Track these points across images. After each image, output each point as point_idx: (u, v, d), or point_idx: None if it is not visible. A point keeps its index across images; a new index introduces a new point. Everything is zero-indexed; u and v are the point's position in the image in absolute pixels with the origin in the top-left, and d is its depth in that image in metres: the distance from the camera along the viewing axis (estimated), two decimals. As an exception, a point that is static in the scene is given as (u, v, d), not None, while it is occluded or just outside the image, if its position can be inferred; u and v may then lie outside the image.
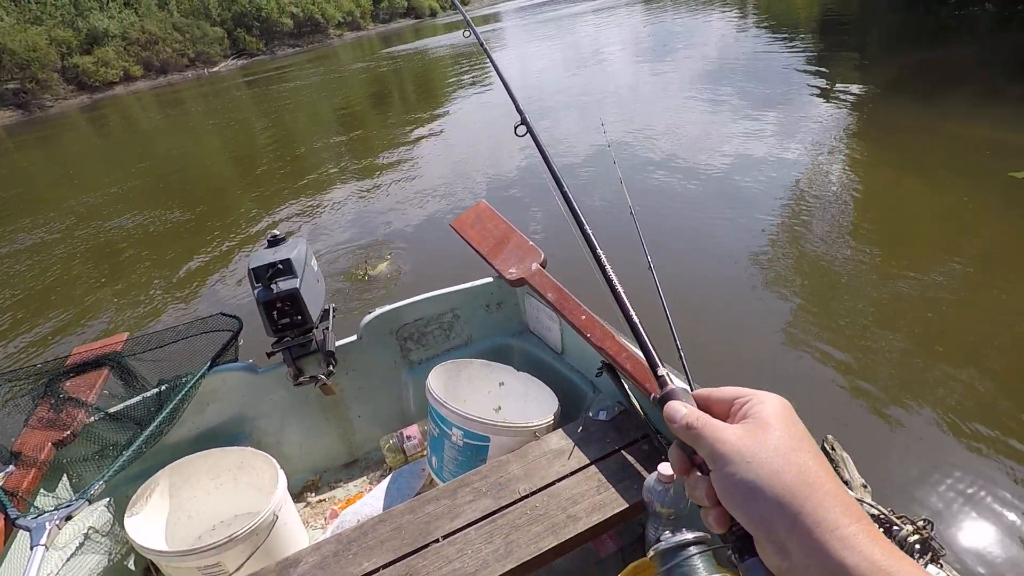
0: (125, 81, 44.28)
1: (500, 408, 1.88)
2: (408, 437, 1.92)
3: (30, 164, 14.59)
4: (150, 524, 1.64)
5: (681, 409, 0.48)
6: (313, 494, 1.95)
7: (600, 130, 6.70)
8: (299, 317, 1.78)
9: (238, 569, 1.50)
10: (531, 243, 2.02)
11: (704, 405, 0.49)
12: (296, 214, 6.05)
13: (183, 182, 8.83)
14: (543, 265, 1.91)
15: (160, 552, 1.44)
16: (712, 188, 4.57)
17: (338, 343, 1.87)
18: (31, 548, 1.27)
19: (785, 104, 6.29)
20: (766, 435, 0.43)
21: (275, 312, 1.76)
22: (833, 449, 1.86)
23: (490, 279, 2.03)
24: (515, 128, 1.37)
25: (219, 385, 1.84)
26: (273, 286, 1.76)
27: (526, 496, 1.36)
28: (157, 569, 1.80)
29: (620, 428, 1.48)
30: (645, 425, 1.42)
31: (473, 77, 14.09)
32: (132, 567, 1.76)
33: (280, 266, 1.77)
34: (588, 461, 1.42)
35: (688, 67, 9.81)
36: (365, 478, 1.99)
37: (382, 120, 11.21)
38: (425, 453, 1.95)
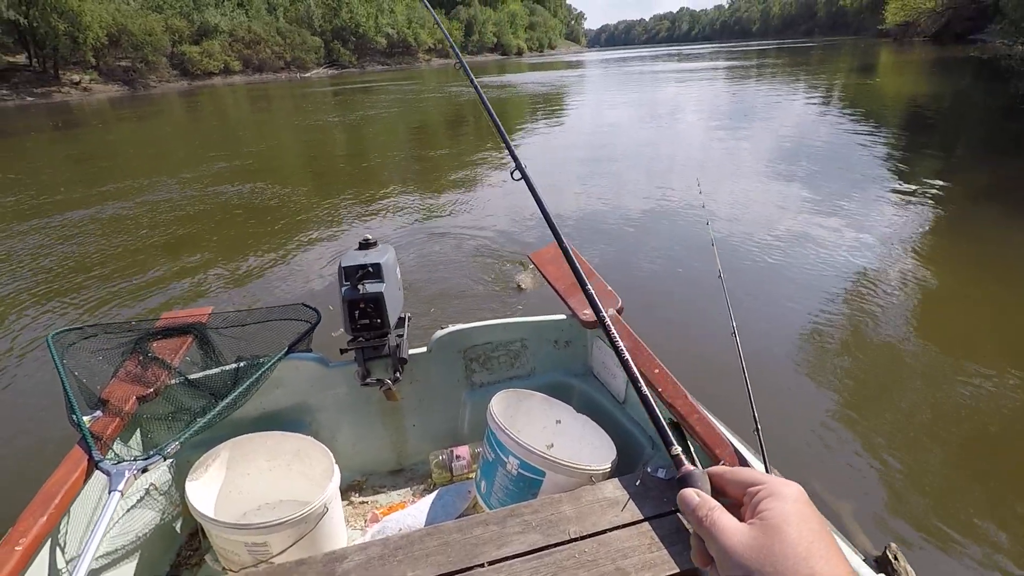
0: (224, 73, 47.07)
1: (552, 445, 1.88)
2: (458, 456, 1.94)
3: (128, 135, 15.59)
4: (205, 492, 1.70)
5: (694, 498, 0.48)
6: (357, 494, 1.98)
7: (677, 187, 6.76)
8: (378, 320, 1.85)
9: (281, 552, 1.54)
10: (609, 288, 2.05)
11: (719, 485, 0.49)
12: (358, 217, 6.23)
13: (262, 172, 9.27)
14: (620, 312, 1.93)
15: (214, 520, 1.49)
16: (775, 264, 4.52)
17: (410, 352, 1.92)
18: (108, 492, 1.34)
19: (859, 192, 6.21)
20: (775, 541, 0.41)
21: (357, 312, 1.84)
22: (896, 559, 1.78)
23: (563, 316, 2.06)
24: (511, 173, 1.44)
25: (290, 372, 1.91)
26: (360, 287, 1.84)
27: (576, 539, 1.36)
28: (201, 535, 1.86)
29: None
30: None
31: (545, 118, 14.43)
32: (179, 530, 1.82)
33: (370, 269, 1.85)
34: (642, 517, 1.40)
35: (763, 141, 9.80)
36: (408, 489, 2.01)
37: (453, 144, 11.56)
38: (472, 476, 1.96)
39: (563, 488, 1.54)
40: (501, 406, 1.77)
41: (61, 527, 1.38)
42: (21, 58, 37.18)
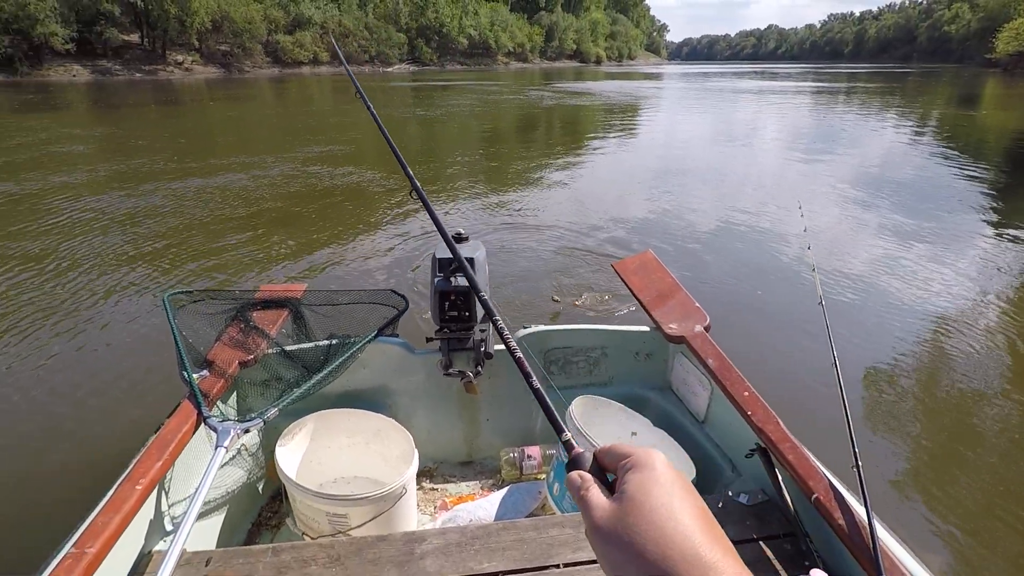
0: (312, 63, 49.04)
1: (625, 456, 1.87)
2: (529, 456, 1.96)
3: (228, 115, 16.50)
4: (291, 459, 1.78)
5: (576, 479, 0.48)
6: (428, 481, 2.03)
7: (751, 207, 6.57)
8: (467, 313, 1.89)
9: (358, 526, 1.59)
10: (696, 304, 2.02)
11: (603, 463, 0.49)
12: (440, 210, 6.36)
13: (351, 157, 9.64)
14: (707, 329, 1.90)
15: (302, 487, 1.56)
16: (871, 295, 4.31)
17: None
18: (215, 448, 1.43)
19: (947, 231, 5.85)
20: (629, 512, 0.42)
21: (447, 303, 1.88)
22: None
23: (646, 328, 2.05)
24: (410, 193, 1.44)
25: (376, 354, 1.98)
26: (452, 279, 1.88)
27: (654, 551, 1.35)
28: (284, 499, 1.95)
29: (762, 518, 1.43)
30: (794, 523, 1.37)
31: (617, 130, 14.29)
32: (260, 491, 1.92)
33: (464, 262, 1.89)
34: None
35: (844, 168, 9.36)
36: (477, 482, 2.04)
37: (523, 148, 11.61)
38: (541, 476, 1.98)
39: (640, 500, 1.53)
40: (579, 411, 1.78)
41: (170, 474, 1.48)
42: (134, 37, 40.00)
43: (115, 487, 1.28)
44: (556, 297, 4.08)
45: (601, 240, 5.50)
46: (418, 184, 1.30)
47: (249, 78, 39.22)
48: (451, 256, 1.90)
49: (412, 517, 1.74)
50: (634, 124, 15.99)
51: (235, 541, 1.75)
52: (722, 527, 1.28)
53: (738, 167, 9.60)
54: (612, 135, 13.32)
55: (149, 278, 4.52)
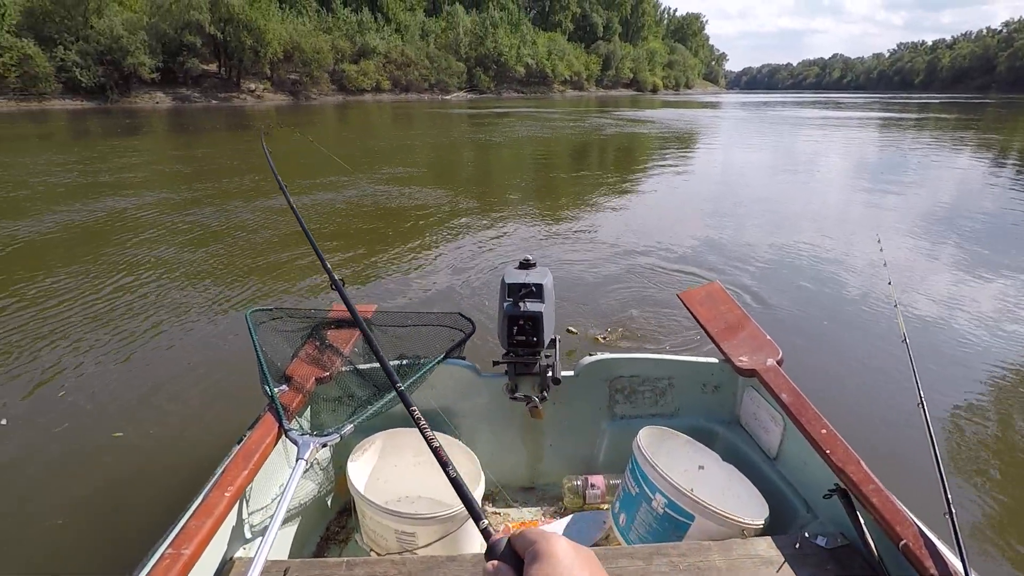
0: (374, 91, 51.02)
1: (692, 490, 1.83)
2: (593, 485, 1.95)
3: (296, 140, 17.30)
4: (360, 475, 1.83)
5: (490, 570, 0.49)
6: (490, 505, 2.04)
7: (810, 239, 6.37)
8: (534, 339, 1.91)
9: (425, 546, 1.62)
10: (768, 337, 1.98)
11: (516, 548, 0.50)
12: (472, 241, 6.44)
13: (418, 179, 9.95)
14: (779, 363, 1.86)
15: (374, 504, 1.60)
16: (954, 332, 4.09)
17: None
18: (295, 460, 1.49)
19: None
20: None
21: (515, 328, 1.91)
22: None
23: (714, 360, 2.02)
24: (331, 286, 1.37)
25: (444, 376, 2.02)
26: (521, 304, 1.91)
27: (727, 591, 1.31)
28: (354, 514, 2.00)
29: (842, 563, 1.37)
30: (878, 569, 1.31)
31: (675, 158, 14.17)
32: (329, 505, 1.97)
33: (533, 288, 1.92)
34: None
35: (915, 200, 8.95)
36: (539, 508, 2.04)
37: (578, 174, 11.65)
38: (604, 506, 1.96)
39: (711, 536, 1.49)
40: (646, 441, 1.76)
41: (252, 483, 1.55)
42: (213, 67, 42.76)
43: (204, 493, 1.35)
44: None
45: (659, 268, 5.45)
46: (336, 278, 1.27)
47: (315, 104, 41.18)
48: (520, 282, 1.95)
49: (477, 539, 1.75)
50: (690, 152, 15.86)
51: (305, 553, 1.80)
52: (799, 568, 1.23)
53: (799, 198, 9.36)
54: (668, 163, 13.23)
55: (229, 292, 4.78)
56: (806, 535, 1.44)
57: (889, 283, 1.68)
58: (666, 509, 1.56)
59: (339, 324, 2.19)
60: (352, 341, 2.09)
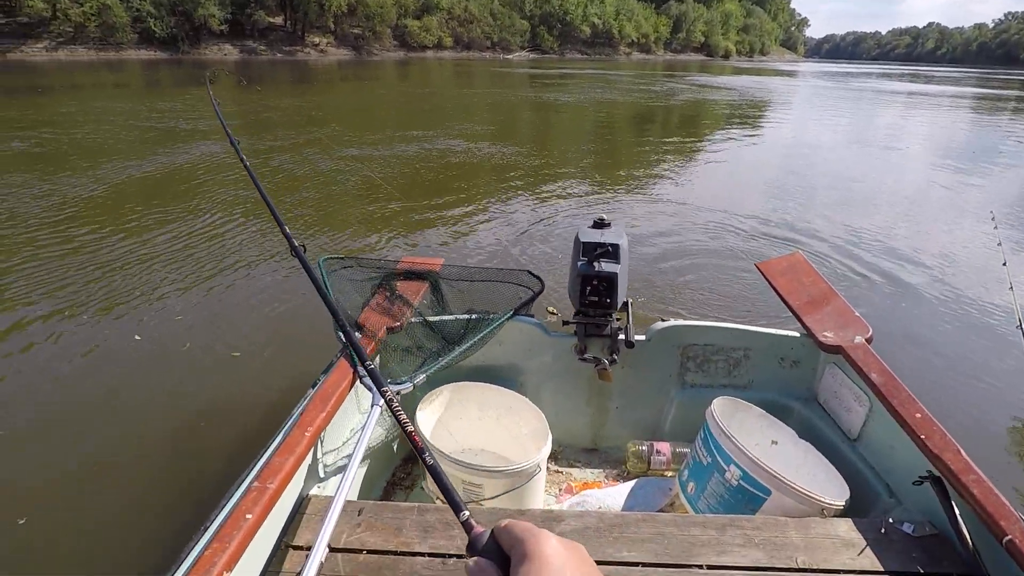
0: (436, 48, 50.58)
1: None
2: (659, 451, 1.91)
3: (365, 96, 17.40)
4: (427, 424, 1.85)
5: (474, 570, 0.45)
6: (553, 463, 2.04)
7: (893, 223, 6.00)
8: (607, 300, 1.86)
9: (490, 498, 1.63)
10: (857, 313, 1.87)
11: (500, 542, 0.46)
12: (526, 204, 6.34)
13: (487, 137, 9.90)
14: (869, 341, 1.75)
15: (443, 453, 1.62)
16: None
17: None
18: (371, 406, 1.51)
19: None
20: None
21: (588, 288, 1.87)
22: None
23: (795, 334, 1.92)
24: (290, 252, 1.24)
25: (512, 332, 2.01)
26: (596, 264, 1.86)
27: (804, 570, 1.27)
28: (414, 461, 2.04)
29: (930, 553, 1.30)
30: (973, 564, 1.23)
31: (739, 129, 13.46)
32: (395, 452, 2.02)
33: (609, 248, 1.87)
34: (883, 570, 1.27)
35: (1004, 188, 8.23)
36: (601, 470, 2.03)
37: (640, 140, 11.27)
38: (668, 473, 1.93)
39: (787, 512, 1.44)
40: (719, 411, 1.70)
41: (328, 426, 1.59)
42: (279, 20, 43.25)
43: (284, 432, 1.39)
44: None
45: (729, 237, 5.25)
46: (296, 245, 1.15)
47: (376, 60, 41.24)
48: (596, 242, 1.89)
49: (539, 496, 1.76)
50: (763, 122, 15.11)
51: (373, 496, 1.85)
52: (884, 555, 1.16)
53: (887, 174, 8.78)
54: (738, 132, 12.66)
55: (303, 238, 4.91)
56: (890, 520, 1.38)
57: (1004, 264, 1.54)
58: (740, 481, 1.51)
59: (408, 275, 2.20)
60: (421, 293, 2.10)
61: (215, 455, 2.46)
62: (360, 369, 1.62)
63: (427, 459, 0.64)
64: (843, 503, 1.46)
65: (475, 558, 0.46)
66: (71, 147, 8.20)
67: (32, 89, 15.78)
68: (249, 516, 1.14)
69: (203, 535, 1.13)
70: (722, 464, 1.56)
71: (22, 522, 2.10)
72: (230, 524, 1.12)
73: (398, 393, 1.59)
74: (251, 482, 1.22)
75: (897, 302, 4.07)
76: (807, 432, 1.82)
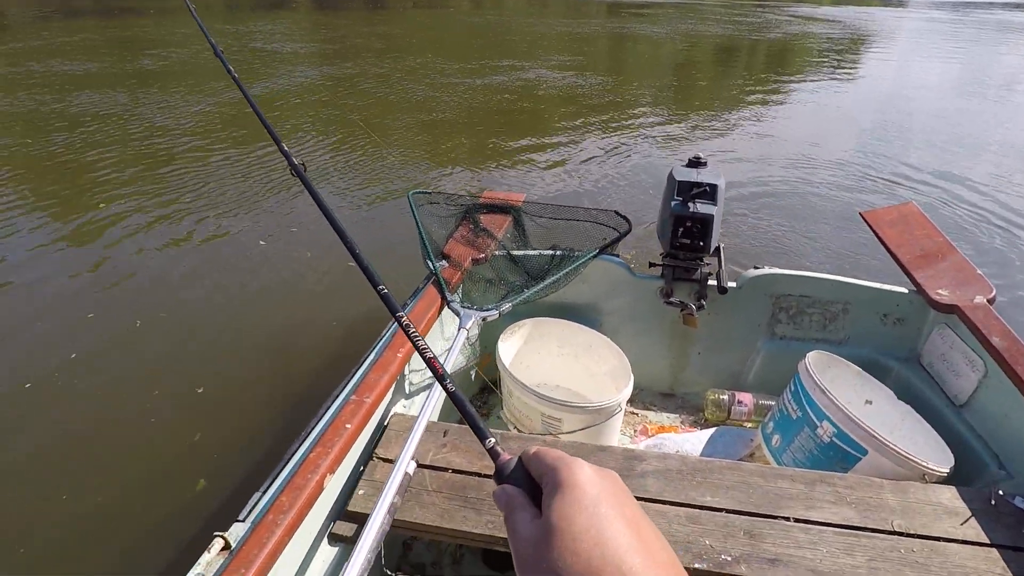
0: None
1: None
2: (740, 402, 1.87)
3: (462, 20, 17.04)
4: (508, 356, 1.87)
5: (501, 498, 0.43)
6: (628, 404, 2.03)
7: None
8: (700, 243, 1.79)
9: (568, 433, 1.64)
10: (979, 272, 1.72)
11: (530, 469, 0.43)
12: (604, 144, 6.10)
13: (570, 66, 9.58)
14: (991, 302, 1.61)
15: (525, 385, 1.63)
16: None
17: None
18: (457, 329, 1.53)
19: None
20: (550, 543, 0.37)
21: (681, 229, 1.79)
22: None
23: (903, 290, 1.79)
24: (289, 172, 1.12)
25: (596, 271, 1.97)
26: (691, 204, 1.78)
27: (901, 534, 1.22)
28: (490, 390, 2.08)
29: None
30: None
31: (840, 67, 12.28)
32: (472, 380, 2.06)
33: (706, 188, 1.77)
34: (990, 543, 1.20)
35: None
36: (678, 415, 2.01)
37: (725, 77, 10.49)
38: (748, 424, 1.88)
39: (883, 474, 1.38)
40: (814, 365, 1.63)
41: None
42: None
43: (378, 350, 1.43)
44: (776, 237, 3.60)
45: (827, 184, 4.90)
46: (297, 164, 1.05)
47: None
48: (693, 181, 1.80)
49: (615, 436, 1.76)
50: (863, 60, 13.77)
51: (452, 420, 1.91)
52: (991, 527, 1.08)
53: (1001, 122, 7.89)
54: (834, 70, 11.61)
55: (390, 168, 5.02)
56: (1000, 493, 1.29)
57: None
58: (833, 438, 1.45)
59: (491, 209, 2.18)
60: (504, 227, 2.08)
61: (309, 361, 2.66)
62: (448, 295, 1.64)
63: (449, 386, 0.63)
64: (947, 470, 1.38)
65: (503, 485, 0.44)
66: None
67: (144, 10, 16.27)
68: (348, 426, 1.19)
69: (305, 439, 1.20)
70: (814, 419, 1.50)
71: (156, 393, 2.47)
72: (331, 432, 1.18)
73: (484, 320, 1.60)
74: (348, 395, 1.27)
75: (1003, 261, 3.73)
76: (906, 394, 1.72)
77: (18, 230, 3.71)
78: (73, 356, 2.63)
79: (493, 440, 0.50)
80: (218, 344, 2.78)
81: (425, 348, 0.68)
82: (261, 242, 3.63)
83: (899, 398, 1.67)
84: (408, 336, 0.70)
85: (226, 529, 1.01)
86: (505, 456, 0.46)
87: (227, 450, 2.22)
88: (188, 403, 2.43)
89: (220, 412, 2.40)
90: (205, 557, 0.97)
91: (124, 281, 3.21)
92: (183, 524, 1.94)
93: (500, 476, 0.45)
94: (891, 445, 1.37)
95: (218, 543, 0.99)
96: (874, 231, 2.02)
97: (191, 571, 0.95)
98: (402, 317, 0.73)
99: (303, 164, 1.07)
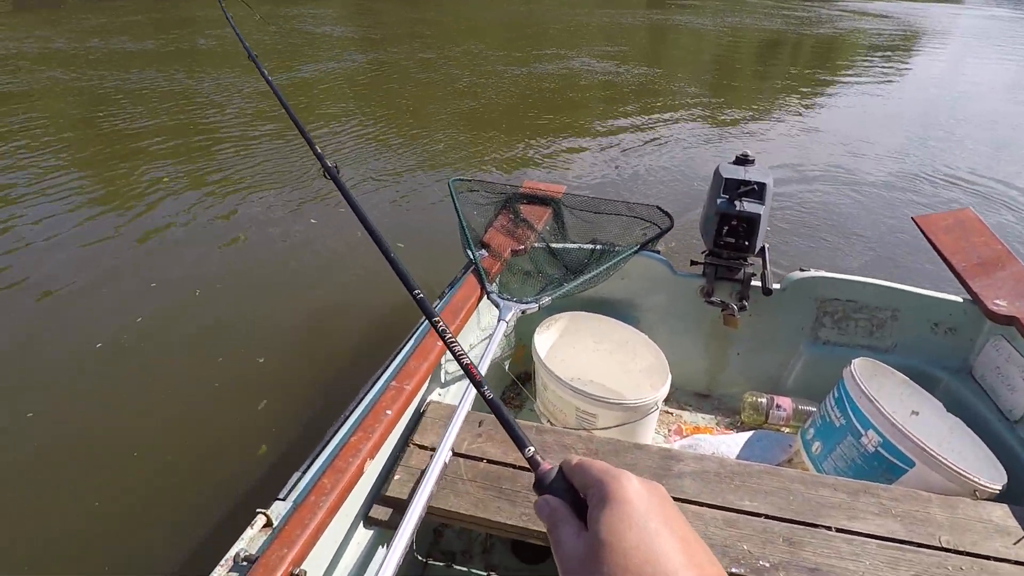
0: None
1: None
2: (779, 406, 1.83)
3: (508, 8, 17.00)
4: (542, 348, 1.86)
5: (544, 509, 0.42)
6: (663, 403, 2.01)
7: None
8: (746, 242, 1.75)
9: (602, 429, 1.63)
10: (1041, 283, 1.65)
11: (572, 481, 0.43)
12: (638, 139, 6.00)
13: (620, 57, 9.50)
14: None
15: (558, 377, 1.62)
16: None
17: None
18: (497, 321, 1.53)
19: None
20: (599, 560, 0.36)
21: (726, 228, 1.76)
22: None
23: (957, 299, 1.73)
24: (323, 173, 1.07)
25: (636, 267, 1.94)
26: (737, 203, 1.74)
27: (949, 550, 1.18)
28: (533, 383, 2.08)
29: None
30: None
31: (883, 68, 11.80)
32: (506, 371, 2.06)
33: (755, 187, 1.73)
34: None
35: None
36: (713, 417, 1.98)
37: (768, 74, 10.19)
38: (786, 429, 1.85)
39: (931, 488, 1.34)
40: (860, 372, 1.58)
41: (460, 336, 1.63)
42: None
43: (417, 337, 1.44)
44: (818, 239, 3.60)
45: (875, 186, 4.75)
46: (330, 165, 1.02)
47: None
48: (740, 179, 1.76)
49: (650, 434, 1.75)
50: (916, 57, 13.26)
51: (486, 409, 1.91)
52: None
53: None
54: (885, 66, 11.22)
55: (432, 155, 5.06)
56: None
57: None
58: (879, 448, 1.41)
59: (531, 200, 2.17)
60: (544, 219, 2.06)
61: (348, 344, 2.73)
62: (488, 285, 1.64)
63: (487, 393, 0.62)
64: (999, 487, 1.33)
65: (545, 496, 0.43)
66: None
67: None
68: (388, 412, 1.20)
69: (344, 423, 1.21)
70: (858, 428, 1.46)
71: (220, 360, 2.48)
72: (371, 417, 1.20)
73: (524, 312, 1.60)
74: (388, 381, 1.29)
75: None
76: (955, 407, 1.66)
77: (71, 201, 3.87)
78: (139, 320, 2.81)
79: (532, 449, 0.49)
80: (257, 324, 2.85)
81: (462, 354, 0.67)
82: (312, 220, 3.71)
83: (948, 411, 1.62)
84: (445, 342, 0.70)
85: (266, 506, 1.03)
86: (546, 465, 0.45)
87: (270, 426, 2.28)
88: (244, 374, 2.55)
89: (270, 387, 2.49)
90: (248, 533, 0.99)
91: (181, 249, 3.39)
92: (221, 498, 2.00)
93: (541, 486, 0.44)
94: (940, 458, 1.32)
95: (260, 519, 1.01)
96: (927, 237, 1.95)
97: (234, 545, 0.97)
98: (438, 322, 0.73)
99: (336, 166, 1.07)
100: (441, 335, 0.70)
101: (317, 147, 1.13)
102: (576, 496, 0.42)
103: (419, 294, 0.77)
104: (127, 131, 5.17)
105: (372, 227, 0.87)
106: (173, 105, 5.93)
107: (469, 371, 0.65)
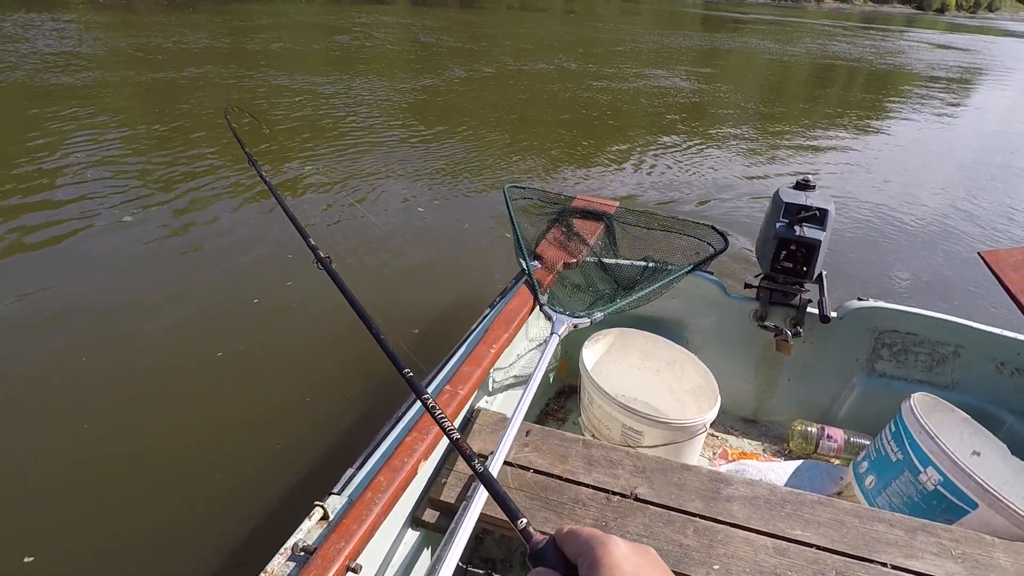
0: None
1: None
2: (830, 436, 1.79)
3: (553, 22, 17.21)
4: (589, 363, 1.86)
5: None
6: (711, 427, 1.98)
7: None
8: (804, 268, 1.72)
9: (648, 448, 1.62)
10: (1119, 328, 1.58)
11: (564, 550, 0.43)
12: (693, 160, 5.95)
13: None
14: None
15: (606, 393, 1.62)
16: None
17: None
18: (550, 334, 1.54)
19: None
20: None
21: (784, 252, 1.73)
22: None
23: None
24: (314, 264, 1.11)
25: (689, 287, 1.93)
26: (798, 228, 1.72)
27: (1013, 597, 1.13)
28: (567, 395, 2.08)
29: None
30: None
31: (937, 101, 11.37)
32: (551, 383, 2.07)
33: (816, 213, 1.71)
34: None
35: None
36: (760, 443, 1.94)
37: (816, 103, 10.00)
38: (836, 461, 1.80)
39: (995, 532, 1.28)
40: (920, 408, 1.53)
41: (510, 346, 1.65)
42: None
43: (469, 344, 1.46)
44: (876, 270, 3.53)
45: (935, 221, 4.62)
46: (321, 255, 1.10)
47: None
48: (801, 204, 1.74)
49: (695, 457, 1.72)
50: (957, 100, 12.80)
51: (529, 420, 1.92)
52: None
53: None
54: (942, 102, 10.88)
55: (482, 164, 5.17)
56: None
57: None
58: (939, 487, 1.36)
59: (584, 215, 2.18)
60: (597, 234, 2.07)
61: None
62: (542, 297, 1.66)
63: (477, 466, 0.63)
64: None
65: (539, 568, 0.44)
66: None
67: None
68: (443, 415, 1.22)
69: (398, 422, 1.23)
70: (917, 464, 1.42)
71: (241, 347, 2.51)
72: (425, 419, 1.22)
73: (576, 326, 1.61)
74: (442, 384, 1.31)
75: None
76: (1021, 450, 1.60)
77: (153, 198, 4.05)
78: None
79: (525, 521, 0.50)
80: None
81: (451, 430, 0.69)
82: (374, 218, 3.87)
83: (1012, 454, 1.55)
84: (435, 420, 0.73)
85: (322, 499, 1.06)
86: (538, 536, 0.46)
87: (314, 421, 2.33)
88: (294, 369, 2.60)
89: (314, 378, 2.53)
90: (306, 524, 1.01)
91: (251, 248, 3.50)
92: (274, 485, 2.04)
93: (535, 559, 0.45)
94: (1007, 501, 1.27)
95: (318, 512, 1.03)
96: (994, 273, 1.89)
97: (292, 536, 0.99)
98: (428, 399, 0.76)
99: (328, 257, 1.12)
100: (431, 412, 0.73)
101: (311, 239, 1.18)
102: (569, 565, 0.43)
103: (409, 373, 0.80)
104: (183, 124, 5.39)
105: (361, 310, 0.92)
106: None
107: (459, 446, 0.67)
